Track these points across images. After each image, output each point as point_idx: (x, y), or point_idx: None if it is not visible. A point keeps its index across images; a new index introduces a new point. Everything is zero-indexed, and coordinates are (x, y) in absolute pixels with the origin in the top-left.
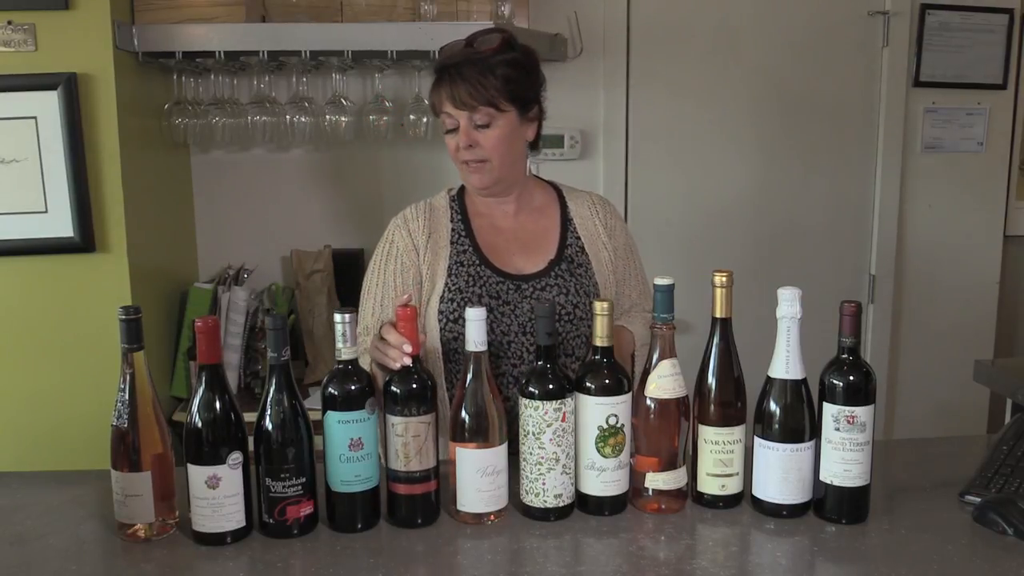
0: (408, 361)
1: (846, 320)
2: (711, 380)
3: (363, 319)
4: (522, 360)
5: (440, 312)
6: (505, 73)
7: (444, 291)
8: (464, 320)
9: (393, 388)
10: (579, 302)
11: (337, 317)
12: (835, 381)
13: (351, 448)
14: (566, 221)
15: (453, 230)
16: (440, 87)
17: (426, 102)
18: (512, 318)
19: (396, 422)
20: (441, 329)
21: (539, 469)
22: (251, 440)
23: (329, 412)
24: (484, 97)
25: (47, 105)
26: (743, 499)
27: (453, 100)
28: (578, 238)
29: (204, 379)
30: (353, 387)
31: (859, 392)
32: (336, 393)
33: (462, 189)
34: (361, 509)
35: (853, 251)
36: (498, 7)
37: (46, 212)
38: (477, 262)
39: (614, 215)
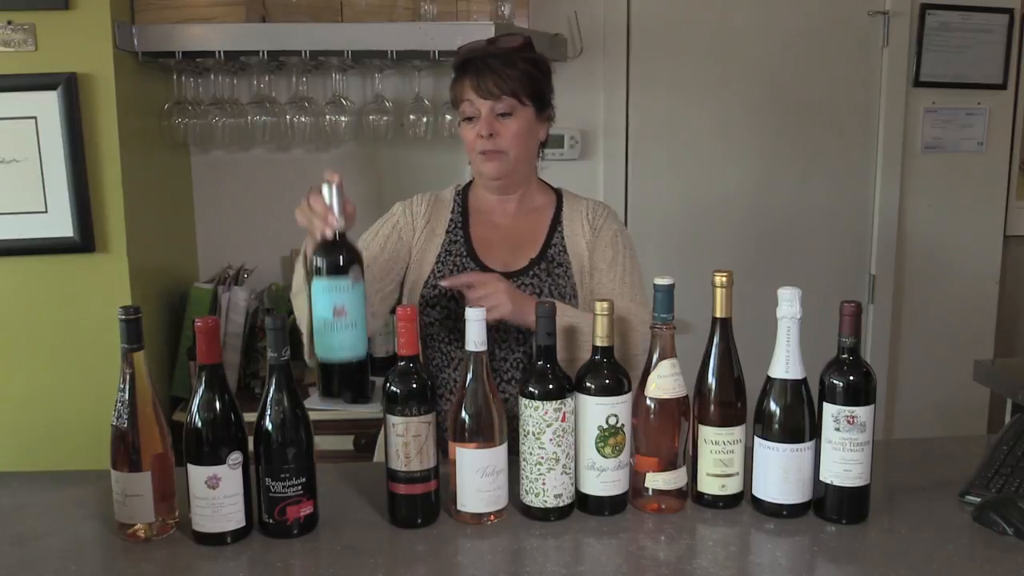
0: (329, 234)
1: (846, 320)
2: (711, 380)
3: None
4: (492, 356)
5: (422, 296)
6: (527, 69)
7: (430, 277)
8: (442, 308)
9: (393, 388)
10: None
11: (324, 188)
12: (835, 381)
13: (335, 315)
14: (556, 223)
15: (451, 220)
16: (464, 77)
17: (426, 102)
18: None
19: (396, 422)
20: (420, 314)
21: (539, 469)
22: (251, 440)
23: (314, 280)
24: (509, 87)
25: (47, 105)
26: (743, 499)
27: (478, 89)
28: (563, 238)
29: (204, 379)
30: (340, 257)
31: (859, 392)
32: (321, 263)
33: (468, 185)
34: (349, 378)
35: (853, 251)
36: (498, 7)
37: (46, 212)
38: (464, 254)
39: (605, 216)
